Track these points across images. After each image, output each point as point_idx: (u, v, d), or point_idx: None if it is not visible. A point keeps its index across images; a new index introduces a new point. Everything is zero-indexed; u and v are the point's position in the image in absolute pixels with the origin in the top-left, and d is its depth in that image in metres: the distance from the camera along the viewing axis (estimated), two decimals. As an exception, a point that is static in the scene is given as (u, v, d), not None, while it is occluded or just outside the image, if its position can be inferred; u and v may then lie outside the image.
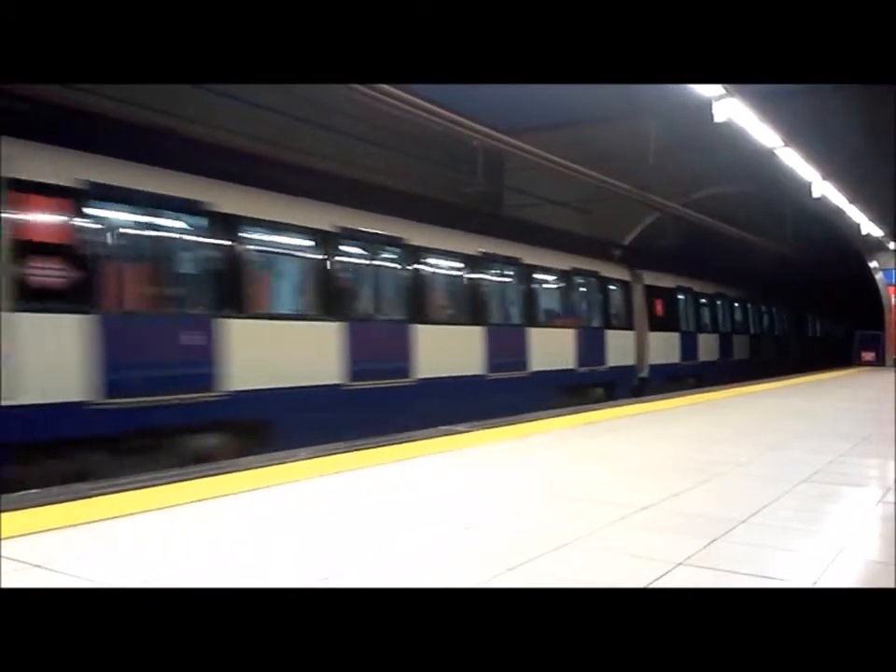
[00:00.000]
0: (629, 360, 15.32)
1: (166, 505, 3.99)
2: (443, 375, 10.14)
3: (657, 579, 2.85)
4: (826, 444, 6.59)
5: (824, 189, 15.58)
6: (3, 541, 3.19)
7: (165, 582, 2.74)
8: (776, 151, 12.19)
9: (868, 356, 23.49)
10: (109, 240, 6.94)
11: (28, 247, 6.18)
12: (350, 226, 9.27)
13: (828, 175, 14.96)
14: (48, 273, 6.27)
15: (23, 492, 4.50)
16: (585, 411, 9.20)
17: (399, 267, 9.97)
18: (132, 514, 3.79)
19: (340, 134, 18.40)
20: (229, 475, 4.89)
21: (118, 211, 7.04)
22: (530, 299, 12.72)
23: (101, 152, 6.97)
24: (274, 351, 8.11)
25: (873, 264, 22.34)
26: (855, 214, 18.72)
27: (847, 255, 23.38)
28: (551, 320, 13.25)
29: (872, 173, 18.24)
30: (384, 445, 6.22)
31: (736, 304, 21.82)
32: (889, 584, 2.85)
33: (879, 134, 17.39)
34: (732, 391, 12.84)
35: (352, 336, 8.91)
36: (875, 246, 21.76)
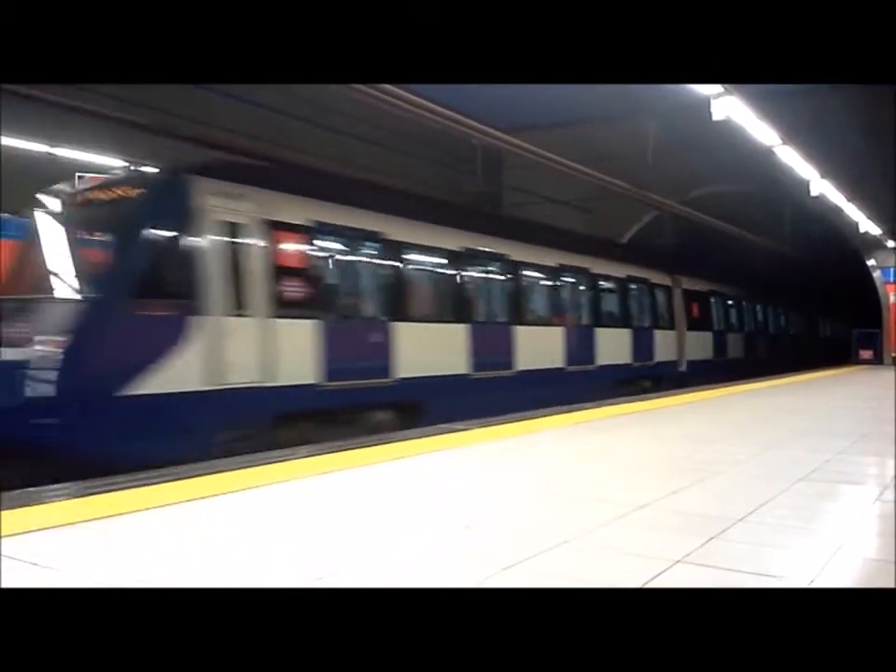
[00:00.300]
0: (672, 356, 17.37)
1: (163, 503, 3.99)
2: (535, 368, 12.35)
3: (655, 577, 2.86)
4: (823, 442, 6.60)
5: (822, 187, 15.58)
6: (1, 539, 3.20)
7: (161, 582, 2.75)
8: (774, 149, 12.18)
9: (866, 354, 23.50)
10: (328, 264, 9.36)
11: (281, 270, 8.37)
12: (471, 246, 11.64)
13: (826, 173, 14.97)
14: (292, 289, 8.49)
15: (20, 490, 4.51)
16: (582, 409, 9.20)
17: (502, 279, 12.36)
18: (128, 513, 3.79)
19: (339, 134, 18.39)
20: (227, 473, 4.89)
21: (332, 242, 9.39)
22: (596, 303, 14.94)
23: (319, 198, 9.36)
24: (425, 347, 10.30)
25: (870, 262, 22.35)
26: (853, 212, 18.73)
27: (844, 253, 23.40)
28: (612, 322, 15.29)
29: (870, 171, 18.25)
30: (382, 444, 6.23)
31: (757, 306, 23.69)
32: (887, 582, 2.87)
33: (878, 133, 17.41)
34: (728, 389, 12.86)
35: (473, 336, 11.15)
36: (873, 244, 21.78)
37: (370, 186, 12.63)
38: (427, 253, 10.92)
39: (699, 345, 18.66)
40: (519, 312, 12.54)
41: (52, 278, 7.70)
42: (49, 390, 6.68)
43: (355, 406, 9.14)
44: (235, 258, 7.89)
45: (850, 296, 29.15)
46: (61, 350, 6.72)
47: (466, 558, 3.13)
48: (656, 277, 17.22)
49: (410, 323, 10.05)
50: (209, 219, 7.74)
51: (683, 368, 17.61)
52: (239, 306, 7.82)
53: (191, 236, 7.60)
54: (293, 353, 8.37)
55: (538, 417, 8.22)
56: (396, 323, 9.78)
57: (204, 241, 7.65)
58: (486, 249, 12.01)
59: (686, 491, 4.53)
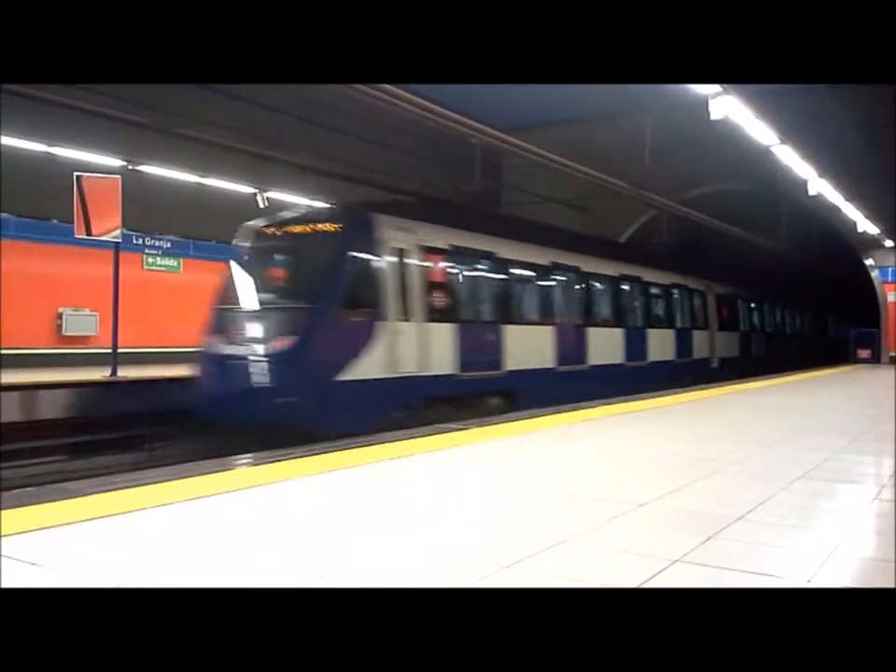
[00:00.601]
0: (706, 354, 19.51)
1: (163, 503, 4.00)
2: (601, 363, 14.54)
3: (653, 576, 2.87)
4: (821, 441, 6.62)
5: (820, 186, 15.59)
6: (1, 539, 3.20)
7: (159, 582, 2.76)
8: (772, 149, 12.19)
9: (864, 353, 23.53)
10: (459, 278, 11.56)
11: (430, 284, 10.68)
12: (557, 261, 14.00)
13: (824, 172, 14.98)
14: (436, 298, 10.75)
15: (19, 489, 4.52)
16: (581, 408, 9.21)
17: (576, 288, 14.60)
18: (129, 512, 3.79)
19: (336, 132, 18.39)
20: (222, 474, 4.90)
21: (461, 261, 11.60)
22: (648, 307, 17.16)
23: (452, 226, 11.69)
24: (523, 345, 12.47)
25: (868, 262, 22.38)
26: (851, 211, 18.75)
27: (842, 253, 23.42)
28: (660, 324, 17.52)
29: (868, 170, 18.26)
30: (378, 443, 6.23)
31: (774, 308, 25.96)
32: (885, 581, 2.88)
33: (876, 132, 17.43)
34: (726, 388, 12.87)
35: (557, 336, 13.38)
36: (871, 244, 21.80)
37: (483, 215, 15.43)
38: (524, 267, 13.18)
39: (728, 344, 20.93)
40: (590, 315, 14.82)
41: (279, 293, 10.14)
42: (288, 375, 9.03)
43: (477, 392, 11.31)
44: (402, 275, 10.18)
45: (848, 295, 29.22)
46: (293, 347, 9.10)
47: (464, 558, 3.13)
48: (693, 284, 19.48)
49: (513, 325, 12.36)
50: (387, 247, 10.07)
51: (715, 364, 19.73)
52: (405, 313, 10.09)
53: (376, 260, 9.93)
54: (439, 350, 10.60)
55: (536, 417, 8.22)
56: (504, 325, 12.13)
57: (384, 263, 9.98)
58: (565, 263, 14.27)
59: (685, 490, 4.54)
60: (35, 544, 3.21)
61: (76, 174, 11.54)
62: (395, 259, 10.14)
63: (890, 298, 22.00)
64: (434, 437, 6.66)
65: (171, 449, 11.15)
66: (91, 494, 4.17)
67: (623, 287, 16.22)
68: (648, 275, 17.15)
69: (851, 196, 17.61)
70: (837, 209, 18.36)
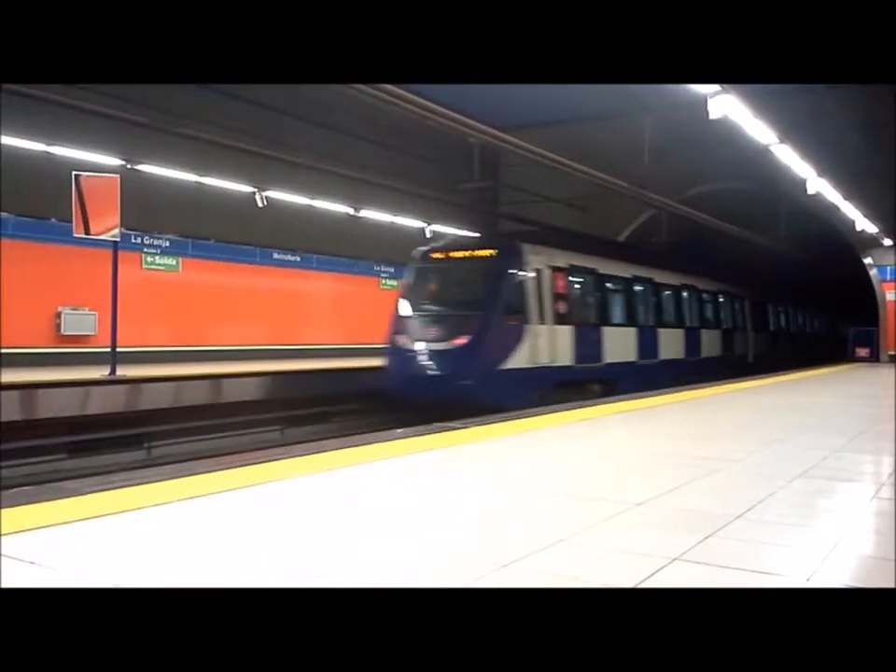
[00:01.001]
0: (743, 351, 22.58)
1: (162, 502, 4.00)
2: (668, 358, 17.80)
3: (652, 574, 2.88)
4: (820, 440, 6.63)
5: (819, 185, 15.60)
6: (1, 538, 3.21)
7: (159, 581, 2.76)
8: (771, 148, 12.20)
9: (862, 351, 23.56)
10: (573, 290, 14.84)
11: (555, 295, 13.92)
12: (637, 274, 17.21)
13: (823, 171, 14.99)
14: (560, 306, 14.02)
15: (18, 489, 4.52)
16: (580, 407, 9.22)
17: (651, 296, 17.91)
18: (128, 511, 3.80)
19: (333, 131, 18.40)
20: (227, 472, 4.90)
21: (574, 276, 14.87)
22: (702, 311, 20.43)
23: (567, 249, 14.97)
24: (615, 343, 15.60)
25: (867, 260, 22.40)
26: (850, 210, 18.76)
27: (841, 251, 23.45)
28: (711, 325, 20.77)
29: (866, 169, 18.28)
30: (376, 442, 6.23)
31: (792, 311, 29.01)
32: (884, 579, 2.88)
33: (874, 132, 17.43)
34: (724, 387, 12.88)
35: (638, 335, 16.67)
36: (870, 243, 21.82)
37: (584, 238, 18.52)
38: (615, 280, 16.41)
39: (761, 343, 24.00)
40: (660, 319, 18.07)
41: (455, 303, 13.50)
42: (467, 365, 12.45)
43: (586, 379, 14.39)
44: (539, 289, 13.54)
45: (848, 294, 29.29)
46: (468, 344, 12.54)
47: (462, 557, 3.14)
48: (735, 291, 22.62)
49: (608, 326, 15.59)
50: (529, 268, 13.50)
51: (751, 359, 22.48)
52: (541, 318, 13.47)
53: (523, 278, 13.37)
54: (562, 346, 13.87)
55: (535, 416, 8.23)
56: (603, 327, 15.37)
57: (528, 280, 13.41)
58: (643, 275, 17.44)
59: (683, 488, 4.54)
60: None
61: (74, 173, 11.54)
62: (534, 276, 13.55)
63: (889, 297, 22.02)
64: (433, 436, 6.66)
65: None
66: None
67: (684, 294, 19.53)
68: (701, 284, 20.44)
69: (850, 195, 17.61)
70: (836, 208, 18.37)
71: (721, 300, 21.65)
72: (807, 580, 2.85)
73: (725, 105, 9.28)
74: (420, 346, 12.96)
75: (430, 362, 12.80)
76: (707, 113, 9.30)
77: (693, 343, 19.25)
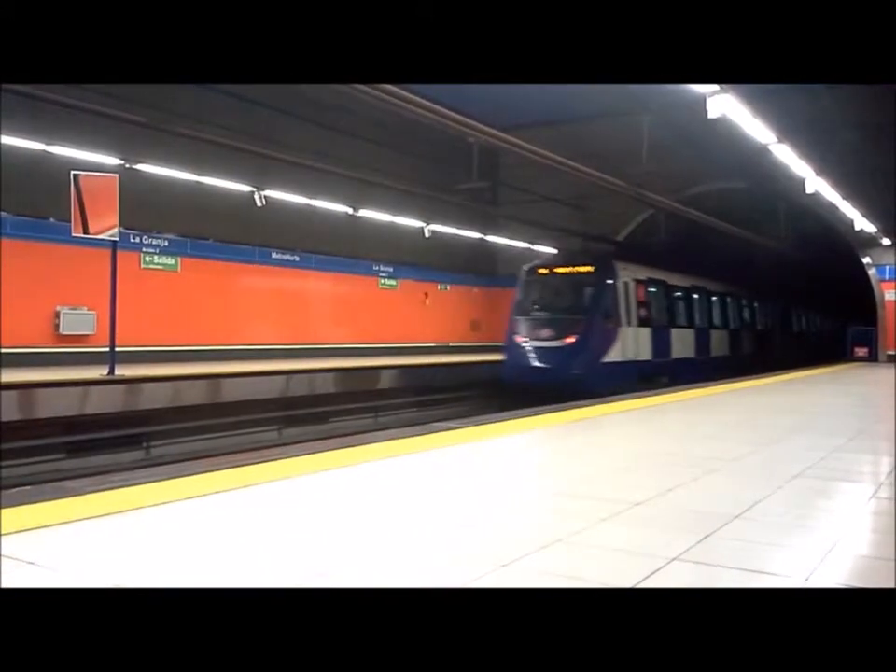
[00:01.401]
0: (772, 348, 26.10)
1: (162, 501, 4.00)
2: (717, 355, 21.12)
3: (651, 574, 2.88)
4: (818, 440, 6.63)
5: (818, 185, 15.60)
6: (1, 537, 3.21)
7: (159, 581, 2.77)
8: (769, 147, 12.20)
9: (861, 351, 23.58)
10: (649, 298, 17.91)
11: (637, 302, 17.08)
12: (694, 283, 20.67)
13: (821, 171, 14.99)
14: (642, 312, 17.35)
15: (18, 488, 4.52)
16: (576, 407, 9.22)
17: (704, 302, 21.19)
18: (128, 511, 3.80)
19: (329, 130, 18.40)
20: (227, 471, 4.90)
21: (650, 287, 17.99)
22: (741, 315, 24.15)
23: (643, 264, 18.05)
24: (679, 342, 18.87)
25: (866, 260, 22.41)
26: (848, 210, 18.76)
27: (840, 251, 23.46)
28: (749, 327, 24.70)
29: (865, 168, 18.28)
30: (373, 442, 6.23)
31: (811, 314, 33.12)
32: (882, 579, 2.89)
33: (873, 132, 17.44)
34: (722, 387, 12.89)
35: (695, 336, 20.02)
36: (868, 242, 21.82)
37: (652, 254, 20.13)
38: (679, 289, 19.82)
39: (787, 343, 27.72)
40: (710, 321, 21.44)
41: (564, 308, 16.75)
42: (575, 359, 15.65)
43: (658, 373, 17.10)
44: (626, 297, 16.68)
45: (846, 294, 29.33)
46: (578, 341, 15.84)
47: (461, 557, 3.14)
48: (768, 296, 26.44)
49: (674, 328, 18.95)
50: (619, 280, 16.61)
51: (777, 355, 25.10)
52: (629, 321, 16.70)
53: (616, 288, 16.49)
54: (643, 344, 17.14)
55: (532, 416, 8.24)
56: (671, 328, 18.68)
57: (619, 290, 16.56)
58: (698, 284, 20.83)
59: (681, 488, 4.55)
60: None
61: (73, 172, 11.53)
62: (623, 287, 16.70)
63: (888, 296, 22.03)
64: (430, 436, 6.66)
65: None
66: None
67: (728, 300, 22.92)
68: (743, 294, 24.16)
69: (848, 194, 17.62)
70: (835, 208, 18.38)
71: (756, 305, 25.54)
72: (806, 580, 2.86)
73: (724, 104, 9.28)
74: (536, 344, 16.28)
75: (545, 356, 16.03)
76: (706, 112, 9.30)
77: (735, 342, 22.97)
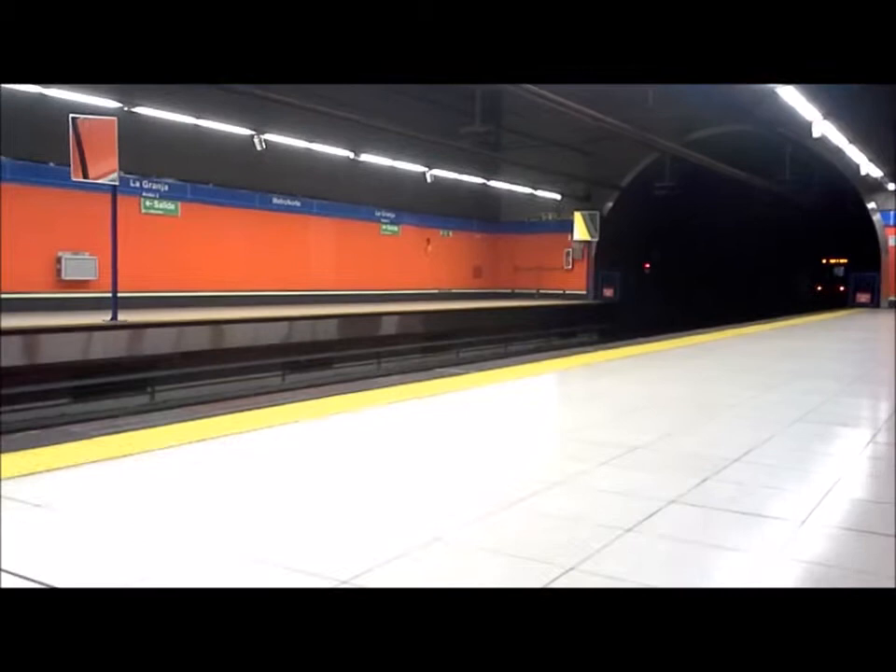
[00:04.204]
0: None
1: (169, 444, 4.04)
2: None
3: (648, 516, 2.93)
4: (818, 385, 6.67)
5: (825, 128, 15.41)
6: (3, 481, 3.25)
7: (169, 518, 2.82)
8: (776, 90, 12.03)
9: (863, 297, 23.53)
10: None
11: None
12: None
13: (828, 113, 14.79)
14: None
15: (24, 432, 4.57)
16: (581, 353, 9.25)
17: None
18: (134, 454, 3.84)
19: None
20: (239, 414, 4.94)
21: None
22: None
23: None
24: None
25: (870, 205, 22.24)
26: (855, 154, 18.56)
27: (844, 195, 23.28)
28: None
29: (873, 113, 18.03)
30: (379, 388, 6.27)
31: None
32: (877, 522, 2.93)
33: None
34: (725, 333, 12.91)
35: None
36: (874, 187, 21.63)
37: None
38: None
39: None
40: None
41: None
42: None
43: None
44: None
45: (849, 238, 29.15)
46: None
47: (465, 497, 3.19)
48: None
49: None
50: None
51: None
52: None
53: None
54: None
55: (532, 362, 8.26)
56: None
57: None
58: None
59: (682, 433, 4.59)
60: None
61: (71, 115, 11.40)
62: None
63: (891, 242, 21.92)
64: (433, 382, 6.70)
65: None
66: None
67: None
68: None
69: (855, 138, 17.42)
70: (841, 152, 18.18)
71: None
72: (803, 522, 2.90)
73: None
74: None
75: None
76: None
77: None
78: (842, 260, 34.73)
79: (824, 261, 36.46)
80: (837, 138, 16.79)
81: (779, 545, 2.71)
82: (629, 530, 2.79)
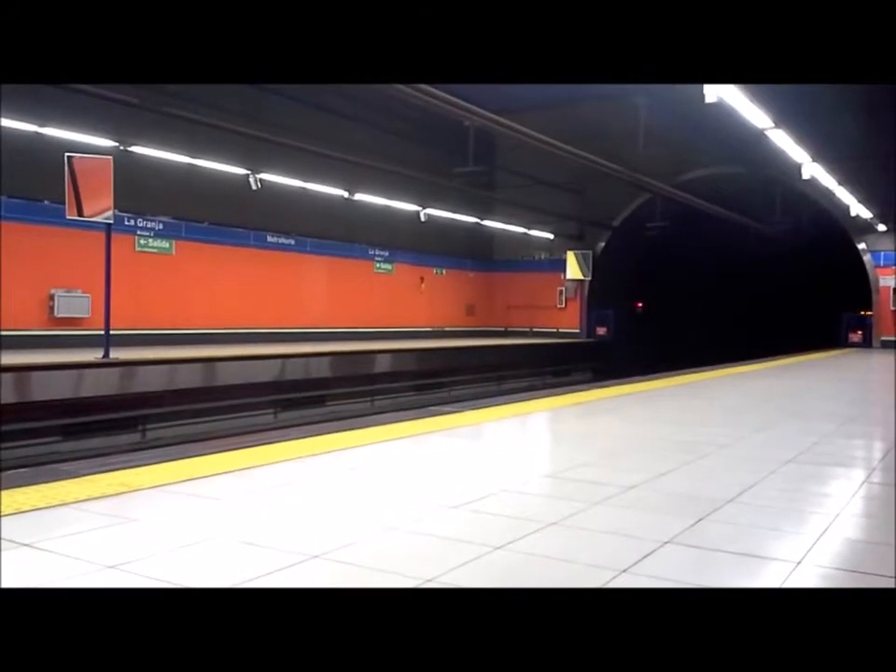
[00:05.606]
0: None
1: (160, 483, 4.01)
2: None
3: (643, 557, 2.90)
4: (811, 425, 6.66)
5: (814, 170, 15.59)
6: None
7: (157, 564, 2.78)
8: (766, 132, 12.18)
9: (855, 337, 23.64)
10: None
11: None
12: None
13: (817, 156, 14.98)
14: None
15: (14, 470, 4.54)
16: (573, 392, 9.24)
17: None
18: (124, 493, 3.81)
19: (324, 112, 18.31)
20: (223, 454, 4.91)
21: None
22: None
23: None
24: None
25: (861, 246, 22.43)
26: (844, 195, 18.76)
27: (834, 237, 23.47)
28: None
29: (861, 154, 18.27)
30: (370, 426, 6.24)
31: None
32: (874, 563, 2.92)
33: (870, 116, 17.41)
34: (717, 372, 12.93)
35: None
36: (865, 229, 21.84)
37: None
38: None
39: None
40: None
41: None
42: None
43: None
44: None
45: (840, 279, 29.35)
46: None
47: (455, 542, 3.16)
48: None
49: None
50: None
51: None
52: None
53: None
54: None
55: (530, 400, 8.26)
56: None
57: None
58: None
59: (674, 473, 4.57)
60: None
61: (66, 154, 11.47)
62: None
63: (882, 282, 22.07)
64: (426, 420, 6.67)
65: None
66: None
67: None
68: None
69: (844, 180, 17.62)
70: (831, 193, 18.37)
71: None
72: (798, 562, 2.88)
73: (721, 88, 9.26)
74: None
75: None
76: (703, 97, 9.27)
77: None
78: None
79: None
80: (827, 180, 16.98)
81: (775, 586, 2.69)
82: (624, 571, 2.76)
